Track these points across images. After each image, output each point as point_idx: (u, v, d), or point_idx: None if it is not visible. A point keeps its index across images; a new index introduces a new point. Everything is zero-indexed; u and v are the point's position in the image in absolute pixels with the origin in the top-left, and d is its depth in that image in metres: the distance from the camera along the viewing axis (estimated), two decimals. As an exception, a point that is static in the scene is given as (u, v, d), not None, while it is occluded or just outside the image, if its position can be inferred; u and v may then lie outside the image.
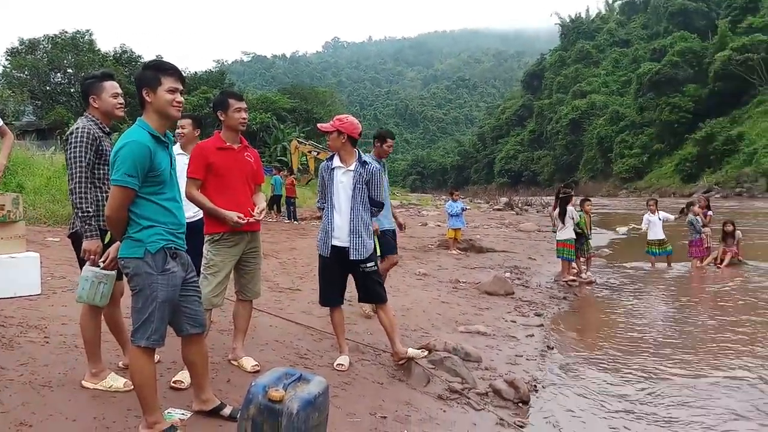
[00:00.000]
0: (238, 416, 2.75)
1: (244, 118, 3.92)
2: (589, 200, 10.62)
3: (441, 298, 7.20)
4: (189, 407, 3.16)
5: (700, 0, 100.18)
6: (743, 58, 66.05)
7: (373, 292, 4.33)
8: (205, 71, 63.65)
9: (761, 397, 4.22)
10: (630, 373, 4.87)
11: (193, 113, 6.67)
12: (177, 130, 4.67)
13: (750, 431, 3.69)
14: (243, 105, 3.92)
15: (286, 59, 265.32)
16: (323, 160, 4.52)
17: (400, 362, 4.33)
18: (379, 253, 5.83)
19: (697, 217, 11.18)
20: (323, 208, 4.38)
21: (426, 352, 4.50)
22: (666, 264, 11.30)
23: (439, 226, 17.32)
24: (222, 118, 3.90)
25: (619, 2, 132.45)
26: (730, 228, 11.17)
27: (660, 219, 11.34)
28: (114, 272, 3.17)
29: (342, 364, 4.22)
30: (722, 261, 11.02)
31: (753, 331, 6.23)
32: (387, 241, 5.98)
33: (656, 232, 11.30)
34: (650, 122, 78.48)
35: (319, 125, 4.33)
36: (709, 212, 11.90)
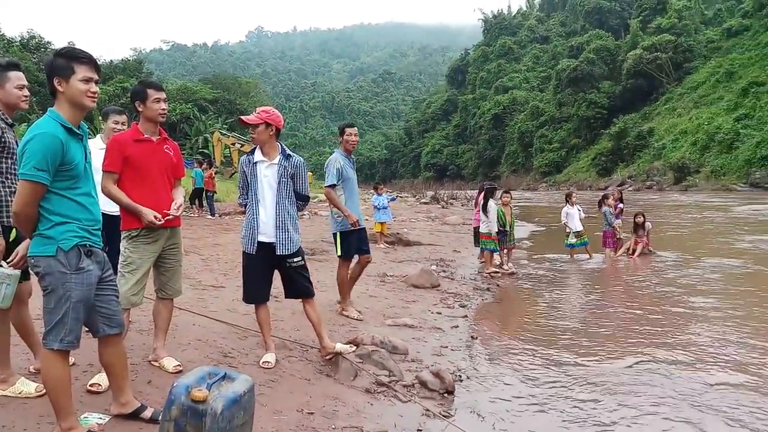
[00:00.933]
0: (159, 418, 2.66)
1: (163, 109, 3.77)
2: (508, 193, 10.87)
3: (369, 292, 7.23)
4: (107, 411, 3.04)
5: (613, 0, 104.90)
6: (653, 56, 69.79)
7: (300, 287, 4.30)
8: (122, 60, 61.00)
9: (670, 382, 4.47)
10: (549, 360, 5.06)
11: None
12: (111, 125, 4.45)
13: (658, 407, 3.91)
14: (162, 95, 3.77)
15: (208, 48, 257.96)
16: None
17: (328, 357, 4.32)
18: (340, 252, 5.86)
19: (610, 209, 11.73)
20: (245, 205, 4.29)
21: (354, 347, 4.50)
22: (587, 255, 11.74)
23: (366, 220, 17.38)
24: (140, 109, 3.75)
25: (539, 0, 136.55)
26: (640, 220, 11.77)
27: (579, 211, 11.76)
28: (18, 272, 2.98)
29: (268, 362, 4.16)
30: (634, 251, 11.63)
31: (663, 318, 6.61)
32: (363, 239, 6.00)
33: (575, 224, 11.72)
34: (568, 117, 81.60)
35: (243, 118, 4.23)
36: (621, 204, 12.44)
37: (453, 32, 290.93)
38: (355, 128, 6.04)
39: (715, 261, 10.56)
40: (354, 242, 5.90)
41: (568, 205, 11.84)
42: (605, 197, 12.22)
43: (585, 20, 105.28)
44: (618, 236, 11.91)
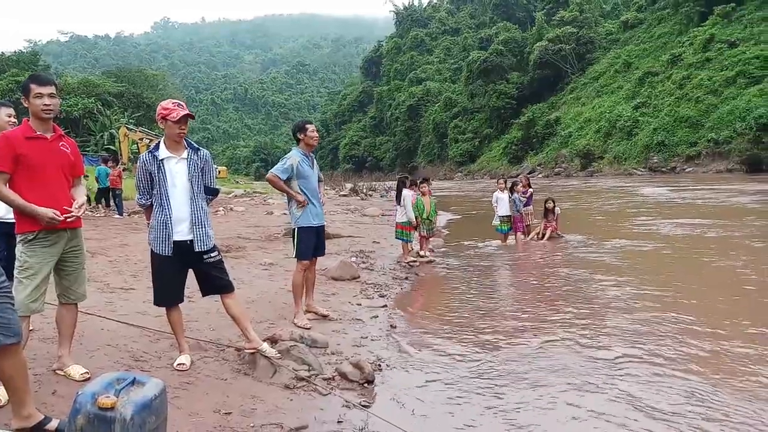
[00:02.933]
0: (65, 430, 2.53)
1: (46, 105, 3.50)
2: (427, 181, 11.04)
3: (288, 287, 7.13)
4: (8, 426, 2.85)
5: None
6: (557, 48, 72.78)
7: (220, 282, 4.18)
8: (15, 52, 57.13)
9: (578, 358, 4.71)
10: (467, 344, 5.19)
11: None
12: (5, 118, 4.15)
13: (569, 385, 4.11)
14: (46, 90, 3.50)
15: (110, 40, 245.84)
16: (154, 149, 4.22)
17: (252, 351, 4.24)
18: (294, 253, 5.62)
19: (519, 196, 12.14)
20: (147, 205, 4.12)
21: (277, 354, 4.37)
22: (514, 240, 12.06)
23: (284, 214, 17.17)
24: (26, 105, 3.52)
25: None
26: (550, 205, 12.29)
27: (511, 196, 12.04)
28: None
29: (183, 364, 4.04)
30: (544, 235, 12.12)
31: (569, 298, 6.95)
32: (323, 239, 5.82)
33: (505, 209, 11.97)
34: (480, 108, 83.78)
35: (190, 112, 4.03)
36: (530, 189, 12.94)
37: (366, 24, 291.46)
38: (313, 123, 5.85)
39: (617, 242, 11.20)
40: (312, 241, 5.62)
41: (498, 190, 12.11)
42: (515, 185, 12.64)
43: (493, 12, 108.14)
44: (528, 222, 12.35)
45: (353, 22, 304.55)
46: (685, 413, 3.56)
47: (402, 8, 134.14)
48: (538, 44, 75.32)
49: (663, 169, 42.27)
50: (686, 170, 40.34)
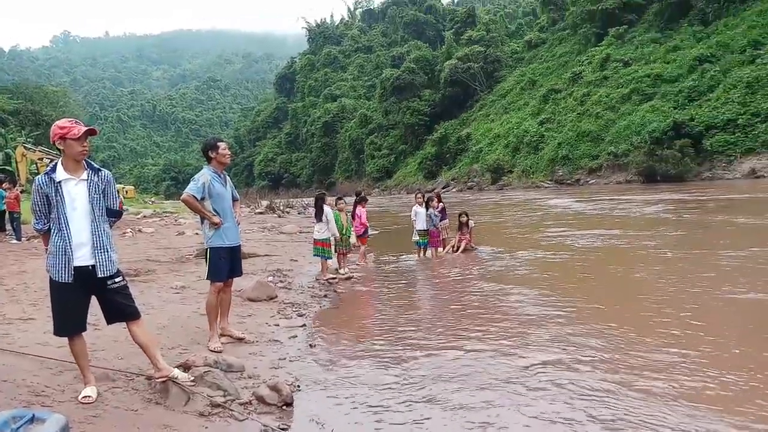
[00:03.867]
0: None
1: None
2: (342, 199, 11.08)
3: (201, 311, 6.90)
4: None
5: (429, 12, 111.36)
6: (466, 66, 75.19)
7: (125, 309, 3.99)
8: None
9: (496, 370, 4.82)
10: (386, 360, 5.20)
11: None
12: None
13: (488, 398, 4.20)
14: None
15: (5, 54, 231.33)
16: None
17: (161, 380, 4.06)
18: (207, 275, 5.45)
19: (435, 211, 12.33)
20: (45, 230, 3.89)
21: (191, 380, 4.21)
22: (419, 255, 12.22)
23: (197, 234, 16.66)
24: None
25: (360, 10, 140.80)
26: (464, 219, 12.60)
27: (426, 211, 12.19)
28: None
29: (88, 396, 3.80)
30: (459, 248, 12.40)
31: (484, 309, 7.12)
32: (238, 259, 5.63)
33: (422, 224, 12.09)
34: (395, 125, 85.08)
35: (89, 129, 3.81)
36: (441, 204, 13.06)
37: (277, 40, 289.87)
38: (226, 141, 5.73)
39: (529, 253, 11.62)
40: (226, 262, 5.45)
41: (417, 204, 12.27)
42: (430, 200, 12.85)
43: (404, 31, 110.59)
44: (443, 236, 12.56)
45: (264, 39, 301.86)
46: (598, 416, 3.73)
47: (314, 25, 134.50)
48: (447, 62, 77.54)
49: (568, 182, 44.38)
50: (589, 182, 42.53)
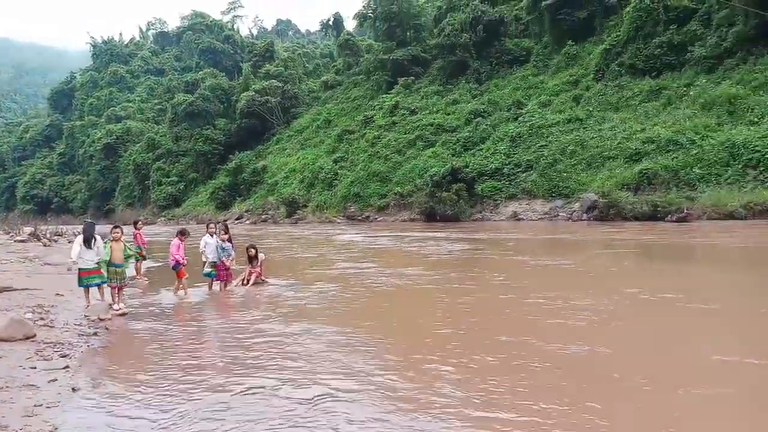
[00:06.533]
0: None
1: None
2: (118, 228, 10.22)
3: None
4: None
5: (227, 42, 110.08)
6: (264, 99, 75.42)
7: None
8: None
9: (278, 401, 4.73)
10: (160, 401, 4.84)
11: None
12: None
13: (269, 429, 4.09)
14: None
15: None
16: None
17: None
18: None
19: (222, 243, 11.85)
20: None
21: None
22: (220, 287, 11.66)
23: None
24: None
25: (153, 32, 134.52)
26: (252, 252, 12.34)
27: (217, 243, 11.62)
28: None
29: None
30: (248, 281, 12.10)
31: (270, 344, 6.99)
32: None
33: (212, 254, 11.56)
34: (186, 151, 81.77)
35: None
36: (227, 235, 12.59)
37: (55, 53, 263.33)
38: None
39: (319, 286, 11.74)
40: None
41: (207, 234, 11.70)
42: (220, 230, 12.43)
43: (200, 58, 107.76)
44: (228, 267, 12.00)
45: (40, 50, 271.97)
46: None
47: (101, 41, 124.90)
48: (245, 94, 76.97)
49: (359, 218, 46.21)
50: (378, 219, 44.74)
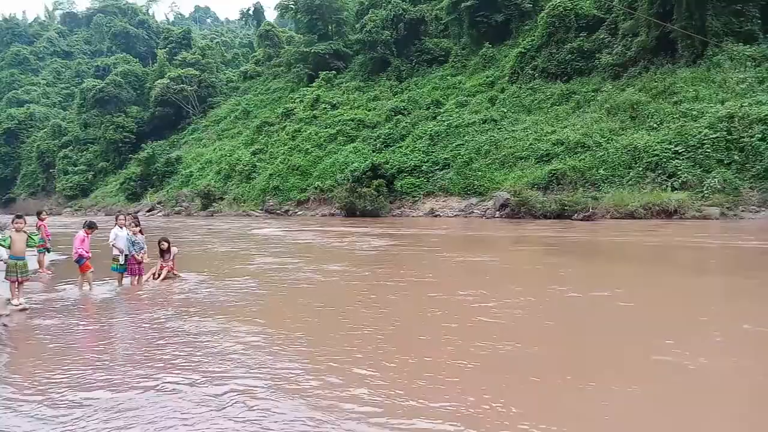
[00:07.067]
0: None
1: None
2: (21, 217, 9.64)
3: None
4: None
5: (140, 27, 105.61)
6: (179, 88, 73.03)
7: None
8: None
9: (188, 399, 4.68)
10: (63, 401, 4.67)
11: None
12: None
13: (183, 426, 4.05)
14: None
15: None
16: None
17: None
18: None
19: (134, 237, 11.44)
20: None
21: None
22: (132, 282, 11.23)
23: None
24: None
25: (60, 12, 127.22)
26: (164, 245, 11.97)
27: (128, 235, 11.15)
28: None
29: None
30: (160, 275, 11.74)
31: (180, 341, 6.87)
32: None
33: (123, 247, 11.12)
34: (95, 139, 78.09)
35: None
36: (138, 227, 12.18)
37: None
38: None
39: (232, 281, 11.56)
40: None
41: (117, 226, 11.20)
42: (130, 223, 11.98)
43: (112, 42, 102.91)
44: (140, 261, 11.64)
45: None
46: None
47: (0, 19, 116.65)
48: (159, 81, 74.27)
49: (278, 212, 45.69)
50: (297, 213, 44.42)
